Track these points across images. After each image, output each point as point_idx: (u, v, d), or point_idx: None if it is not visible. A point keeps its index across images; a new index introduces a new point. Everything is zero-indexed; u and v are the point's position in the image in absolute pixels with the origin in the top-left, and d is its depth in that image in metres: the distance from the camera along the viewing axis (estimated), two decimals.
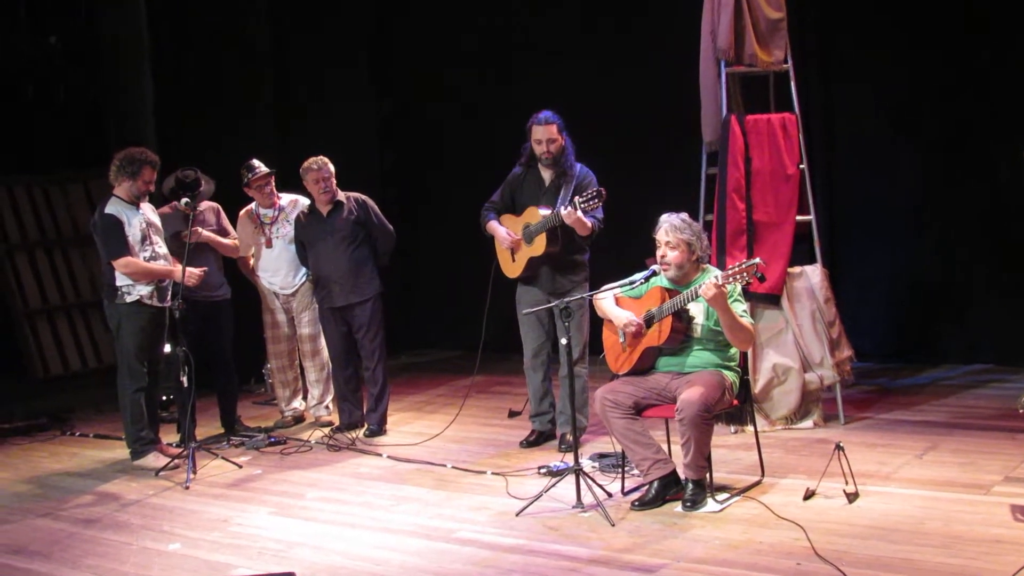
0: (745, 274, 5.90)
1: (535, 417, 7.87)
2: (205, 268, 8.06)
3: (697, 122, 8.11)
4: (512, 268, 7.69)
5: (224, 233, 8.65)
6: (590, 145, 7.81)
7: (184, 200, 8.09)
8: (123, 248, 7.58)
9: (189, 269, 7.78)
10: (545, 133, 7.45)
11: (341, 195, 8.44)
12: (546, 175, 7.57)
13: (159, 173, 7.91)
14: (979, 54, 8.93)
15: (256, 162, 8.64)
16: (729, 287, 6.03)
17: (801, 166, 7.83)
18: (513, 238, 7.59)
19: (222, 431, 8.71)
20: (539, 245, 7.44)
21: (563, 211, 7.15)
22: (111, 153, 7.96)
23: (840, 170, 9.63)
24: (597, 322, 6.85)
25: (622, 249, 7.88)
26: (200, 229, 8.33)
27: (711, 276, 6.07)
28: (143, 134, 10.55)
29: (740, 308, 6.19)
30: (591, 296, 6.73)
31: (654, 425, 6.65)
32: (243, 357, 9.21)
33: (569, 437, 7.22)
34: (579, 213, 7.11)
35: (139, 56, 10.82)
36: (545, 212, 7.39)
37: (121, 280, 7.63)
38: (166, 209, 8.43)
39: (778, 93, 8.23)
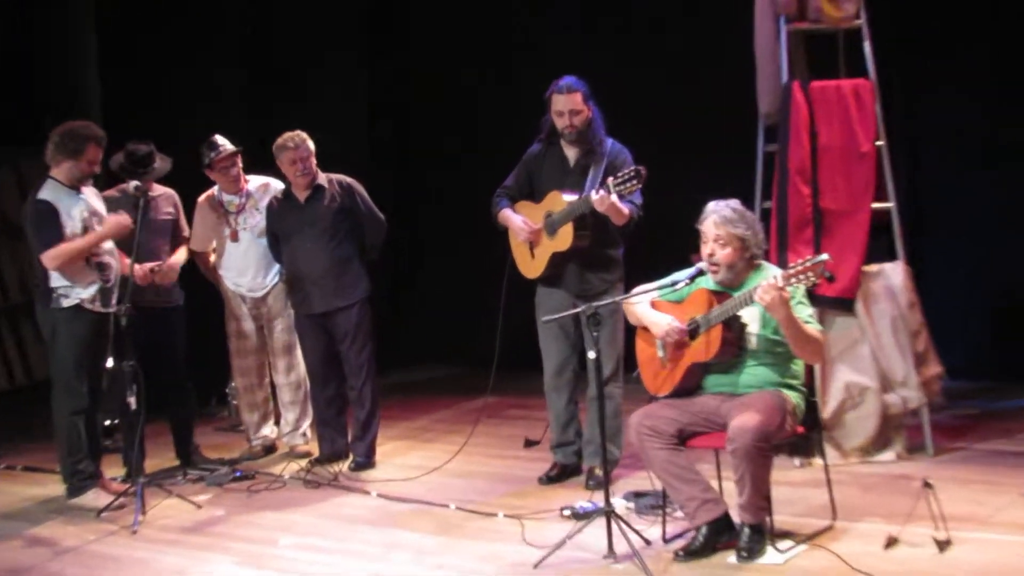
0: (810, 273, 5.81)
1: (557, 448, 7.85)
2: (159, 263, 8.05)
3: (752, 90, 8.12)
4: (531, 266, 7.65)
5: (179, 233, 8.66)
6: (624, 118, 7.78)
7: (133, 184, 8.06)
8: (55, 241, 7.55)
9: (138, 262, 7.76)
10: (568, 103, 7.40)
11: (322, 177, 8.43)
12: (571, 153, 7.54)
13: (106, 153, 7.91)
14: None
15: (219, 139, 8.63)
16: (791, 289, 5.96)
17: (878, 142, 7.83)
18: (532, 228, 7.54)
19: (177, 463, 8.68)
20: (564, 238, 7.38)
21: (594, 196, 7.07)
22: (47, 128, 7.91)
23: (926, 147, 9.63)
24: (632, 332, 6.80)
25: (661, 243, 7.83)
26: (173, 265, 8.36)
27: (768, 276, 6.01)
28: (86, 106, 10.54)
29: (805, 313, 6.15)
30: (623, 300, 6.68)
31: (701, 457, 6.62)
32: (202, 374, 9.23)
33: (598, 472, 7.18)
34: (614, 197, 7.03)
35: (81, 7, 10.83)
36: (571, 198, 7.33)
37: (57, 280, 7.61)
38: (112, 192, 8.43)
39: (849, 55, 8.22)
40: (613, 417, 7.44)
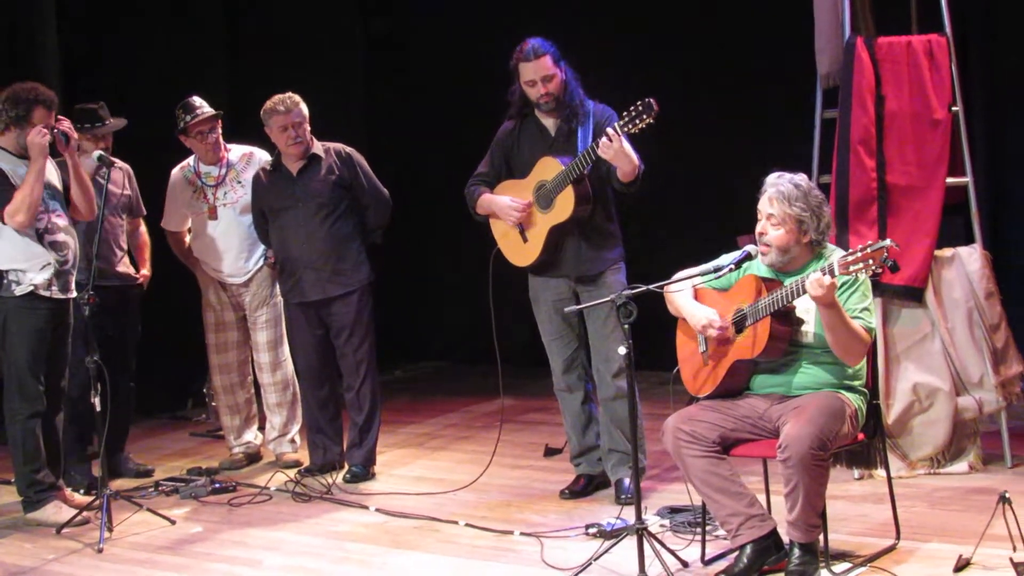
0: (870, 261, 5.74)
1: (580, 457, 7.90)
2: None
3: (809, 47, 8.12)
4: (524, 252, 7.68)
5: (133, 209, 8.79)
6: (664, 81, 7.80)
7: (97, 153, 8.12)
8: (6, 201, 7.56)
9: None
10: (537, 70, 7.45)
11: (318, 147, 8.49)
12: (549, 122, 7.61)
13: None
14: None
15: (197, 100, 8.70)
16: (844, 279, 5.98)
17: (954, 108, 7.83)
18: (523, 206, 7.56)
19: (131, 473, 8.81)
20: (564, 206, 7.40)
21: (603, 139, 7.03)
22: None
23: (1008, 114, 9.60)
24: (661, 322, 6.82)
25: (705, 224, 7.85)
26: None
27: (832, 261, 5.91)
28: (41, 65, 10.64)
29: (861, 304, 6.12)
30: (663, 288, 6.47)
31: (747, 467, 6.65)
32: (173, 372, 9.22)
33: (628, 482, 7.24)
34: (625, 142, 7.06)
35: None
36: (566, 161, 7.36)
37: (6, 263, 7.63)
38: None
39: (922, 6, 8.19)
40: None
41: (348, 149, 8.58)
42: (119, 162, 8.58)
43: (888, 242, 5.71)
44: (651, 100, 6.89)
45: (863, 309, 6.12)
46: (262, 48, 11.38)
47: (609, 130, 7.01)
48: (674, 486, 7.63)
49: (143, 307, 8.90)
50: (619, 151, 7.04)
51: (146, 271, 8.88)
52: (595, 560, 6.45)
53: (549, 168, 7.44)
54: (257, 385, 9.10)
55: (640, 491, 6.40)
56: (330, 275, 8.41)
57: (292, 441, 9.02)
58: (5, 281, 7.64)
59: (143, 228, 8.96)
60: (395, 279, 11.63)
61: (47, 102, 7.71)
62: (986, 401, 7.72)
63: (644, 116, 6.90)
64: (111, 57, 10.64)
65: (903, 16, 8.25)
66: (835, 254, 6.07)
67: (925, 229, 7.73)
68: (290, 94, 8.38)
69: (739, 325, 6.31)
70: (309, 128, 8.42)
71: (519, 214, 7.54)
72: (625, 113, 6.98)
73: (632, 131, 6.98)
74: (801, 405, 6.13)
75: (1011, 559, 6.09)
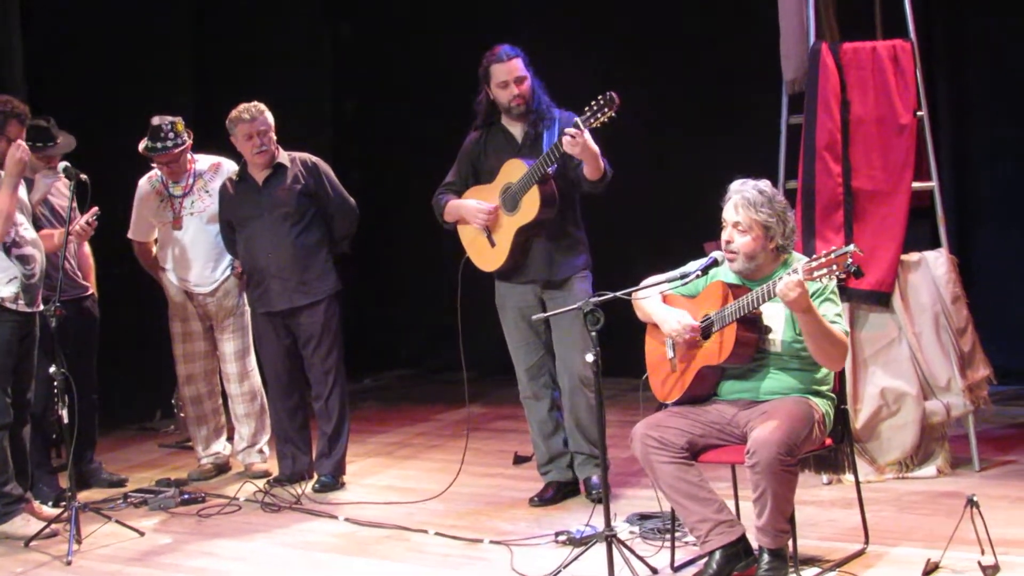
0: (835, 267, 5.73)
1: (548, 465, 7.92)
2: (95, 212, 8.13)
3: (774, 53, 8.13)
4: (492, 256, 7.71)
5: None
6: (631, 88, 7.80)
7: (63, 165, 8.10)
8: None
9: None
10: (510, 71, 7.53)
11: (283, 156, 8.48)
12: (516, 129, 7.68)
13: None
14: None
15: (165, 128, 8.61)
16: (812, 289, 5.97)
17: (919, 113, 7.85)
18: (489, 208, 7.59)
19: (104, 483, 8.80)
20: (529, 207, 7.44)
21: (566, 137, 7.07)
22: None
23: (974, 118, 9.63)
24: (629, 328, 6.83)
25: (672, 230, 7.86)
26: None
27: (796, 268, 5.91)
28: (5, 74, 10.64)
29: (833, 311, 6.13)
30: (631, 295, 6.48)
31: (715, 473, 6.66)
32: (141, 383, 9.19)
33: (596, 478, 7.26)
34: (588, 137, 7.09)
35: None
36: (531, 162, 7.40)
37: None
38: None
39: (886, 11, 8.24)
40: (597, 423, 7.20)
41: (314, 158, 8.56)
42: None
43: (852, 247, 5.70)
44: (612, 93, 6.95)
45: (836, 315, 6.13)
46: (228, 56, 11.36)
47: (571, 127, 7.05)
48: (643, 492, 7.63)
49: (111, 317, 8.89)
50: (585, 145, 7.08)
51: (92, 291, 8.87)
52: (564, 567, 6.46)
53: (515, 170, 7.48)
54: (225, 395, 9.09)
55: (608, 489, 6.33)
56: (296, 285, 8.40)
57: (261, 451, 9.02)
58: None
59: (87, 249, 8.89)
60: (363, 287, 11.65)
61: (21, 116, 7.72)
62: (954, 405, 7.75)
63: (606, 110, 6.97)
64: (76, 65, 10.61)
65: (867, 22, 8.27)
66: (800, 261, 6.03)
67: (891, 234, 7.75)
68: (255, 102, 8.36)
69: (706, 331, 6.29)
70: (275, 137, 8.40)
71: (486, 215, 7.56)
72: (587, 107, 7.02)
73: (594, 124, 7.03)
74: (769, 410, 6.12)
75: (979, 562, 6.11)
